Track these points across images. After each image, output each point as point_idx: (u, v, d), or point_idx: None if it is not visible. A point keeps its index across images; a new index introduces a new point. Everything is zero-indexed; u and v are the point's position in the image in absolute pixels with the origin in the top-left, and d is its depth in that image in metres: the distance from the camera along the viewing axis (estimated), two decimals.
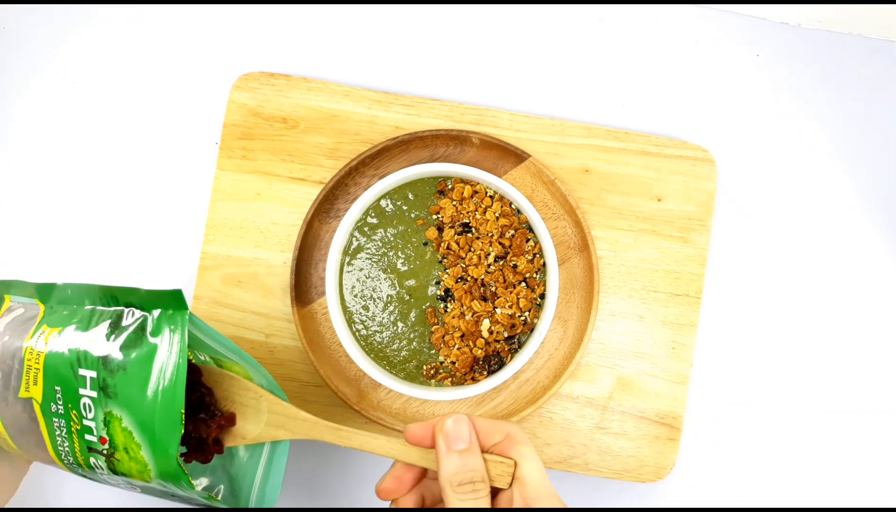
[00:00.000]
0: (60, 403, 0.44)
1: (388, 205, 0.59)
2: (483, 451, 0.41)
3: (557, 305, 0.59)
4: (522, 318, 0.58)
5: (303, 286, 0.60)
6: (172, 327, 0.41)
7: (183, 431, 0.40)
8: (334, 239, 0.57)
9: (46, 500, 0.61)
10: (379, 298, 0.59)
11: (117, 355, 0.42)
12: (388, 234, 0.59)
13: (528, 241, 0.59)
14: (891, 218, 0.62)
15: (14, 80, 0.64)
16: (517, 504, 0.39)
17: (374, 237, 0.59)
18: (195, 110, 0.63)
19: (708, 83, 0.63)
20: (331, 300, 0.57)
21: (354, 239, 0.59)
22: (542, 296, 0.59)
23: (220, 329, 0.60)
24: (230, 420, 0.46)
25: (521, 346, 0.58)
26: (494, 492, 0.41)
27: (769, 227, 0.62)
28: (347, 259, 0.59)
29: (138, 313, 0.43)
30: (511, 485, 0.40)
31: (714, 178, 0.60)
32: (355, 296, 0.59)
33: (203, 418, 0.46)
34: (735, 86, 0.63)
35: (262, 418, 0.45)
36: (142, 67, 0.64)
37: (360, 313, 0.59)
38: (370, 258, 0.59)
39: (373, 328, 0.59)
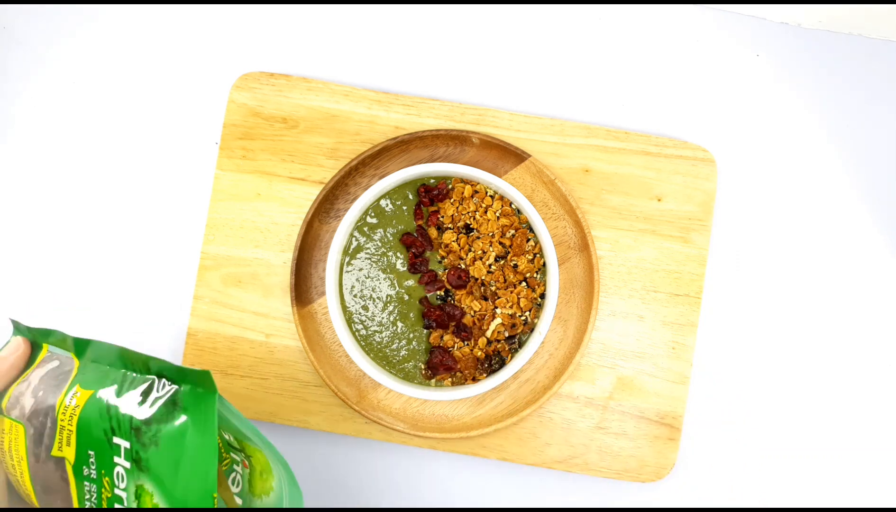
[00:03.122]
0: (94, 467, 0.44)
1: (387, 205, 0.59)
2: None
3: (557, 305, 0.59)
4: (523, 318, 0.58)
5: (303, 286, 0.60)
6: (203, 408, 0.42)
7: None
8: (334, 239, 0.57)
9: None
10: (378, 298, 0.59)
11: (150, 428, 0.42)
12: (388, 234, 0.59)
13: (528, 240, 0.58)
14: (891, 217, 0.62)
15: (14, 79, 0.64)
16: None
17: (373, 237, 0.59)
18: (195, 110, 0.63)
19: (708, 83, 0.63)
20: (331, 300, 0.57)
21: (354, 239, 0.59)
22: (543, 296, 0.59)
23: (219, 329, 0.60)
24: None
25: (521, 346, 0.58)
26: None
27: (769, 227, 0.62)
28: (347, 259, 0.59)
29: (169, 386, 0.43)
30: None
31: (714, 178, 0.60)
32: (355, 296, 0.59)
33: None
34: (735, 86, 0.63)
35: None
36: (142, 67, 0.64)
37: (360, 313, 0.59)
38: (370, 258, 0.59)
39: (372, 328, 0.59)
